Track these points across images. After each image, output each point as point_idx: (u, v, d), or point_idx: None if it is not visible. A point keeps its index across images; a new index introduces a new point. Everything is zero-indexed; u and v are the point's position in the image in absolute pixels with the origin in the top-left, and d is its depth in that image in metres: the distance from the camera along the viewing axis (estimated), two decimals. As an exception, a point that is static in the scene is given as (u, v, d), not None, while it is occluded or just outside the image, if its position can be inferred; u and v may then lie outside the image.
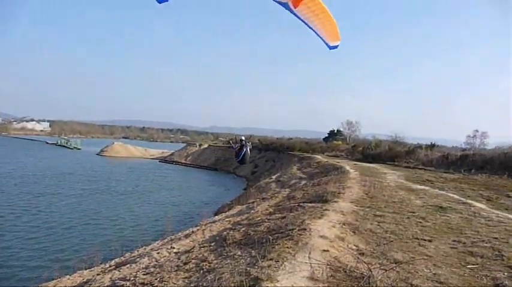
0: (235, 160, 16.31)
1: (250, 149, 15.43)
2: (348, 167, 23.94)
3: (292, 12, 8.83)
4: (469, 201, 11.95)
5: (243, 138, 16.29)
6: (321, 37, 9.31)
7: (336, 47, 9.64)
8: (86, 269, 11.47)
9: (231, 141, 22.53)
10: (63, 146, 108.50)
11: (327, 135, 68.56)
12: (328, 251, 5.61)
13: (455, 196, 12.97)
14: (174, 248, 9.68)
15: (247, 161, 16.72)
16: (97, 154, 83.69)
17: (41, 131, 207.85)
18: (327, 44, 9.48)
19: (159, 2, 8.12)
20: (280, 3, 8.59)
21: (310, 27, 9.13)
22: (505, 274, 5.22)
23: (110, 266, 10.70)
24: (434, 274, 5.12)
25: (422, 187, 15.58)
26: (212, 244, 8.21)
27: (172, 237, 13.29)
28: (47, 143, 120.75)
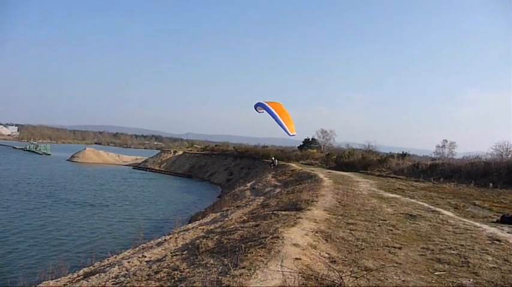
0: (272, 166, 38.28)
1: (277, 161, 40.29)
2: (321, 176, 24.19)
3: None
4: (438, 209, 12.30)
5: (273, 158, 41.06)
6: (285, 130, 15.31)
7: (294, 135, 15.67)
8: (52, 279, 11.04)
9: (272, 159, 41.67)
10: (32, 151, 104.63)
11: (301, 143, 69.08)
12: (300, 259, 5.63)
13: (425, 204, 13.32)
14: (145, 256, 9.45)
15: (278, 166, 37.76)
16: (67, 160, 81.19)
17: (9, 135, 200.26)
18: (288, 134, 15.33)
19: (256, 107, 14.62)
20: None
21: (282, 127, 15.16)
22: (471, 280, 5.38)
23: (78, 276, 10.34)
24: (403, 280, 5.23)
25: (393, 195, 15.93)
26: (185, 253, 8.10)
27: (144, 245, 13.00)
28: (15, 147, 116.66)
